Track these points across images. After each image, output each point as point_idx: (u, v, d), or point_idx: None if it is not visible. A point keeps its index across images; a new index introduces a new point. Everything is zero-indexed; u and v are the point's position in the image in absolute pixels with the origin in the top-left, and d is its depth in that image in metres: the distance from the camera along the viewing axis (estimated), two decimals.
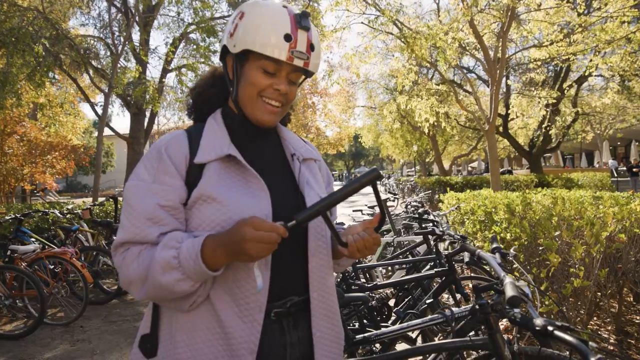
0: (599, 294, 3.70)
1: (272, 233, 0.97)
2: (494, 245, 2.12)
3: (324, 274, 1.18)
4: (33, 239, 5.77)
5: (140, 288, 1.05)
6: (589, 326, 3.66)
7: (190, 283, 1.01)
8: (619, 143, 33.15)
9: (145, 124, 12.87)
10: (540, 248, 2.94)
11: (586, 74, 12.19)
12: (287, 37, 1.10)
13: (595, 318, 4.05)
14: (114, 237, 6.23)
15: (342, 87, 15.05)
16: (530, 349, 1.64)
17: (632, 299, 4.50)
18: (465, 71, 15.96)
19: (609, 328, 3.92)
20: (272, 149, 1.27)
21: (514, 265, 2.09)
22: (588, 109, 20.01)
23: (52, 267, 4.91)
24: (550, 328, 1.10)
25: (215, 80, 1.28)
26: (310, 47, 1.14)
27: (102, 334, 4.48)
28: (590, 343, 1.06)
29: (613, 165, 23.84)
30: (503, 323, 3.08)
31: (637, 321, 4.11)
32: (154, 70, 60.03)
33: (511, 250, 2.13)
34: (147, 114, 12.98)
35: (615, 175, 20.11)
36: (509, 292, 1.27)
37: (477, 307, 1.50)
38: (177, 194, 1.09)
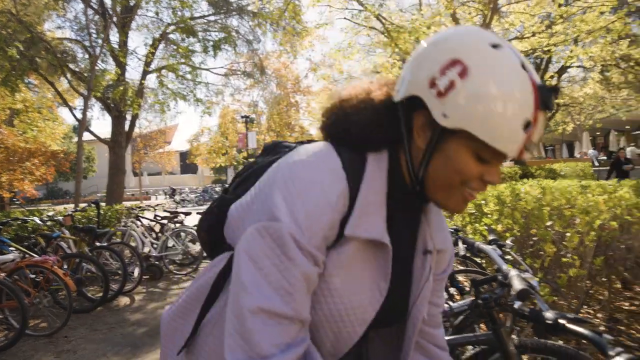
0: (589, 282, 3.70)
1: None
2: (492, 237, 2.07)
3: None
4: (12, 248, 5.57)
5: None
6: (580, 314, 3.65)
7: None
8: (598, 133, 33.73)
9: (127, 127, 12.64)
10: (534, 239, 2.91)
11: (567, 64, 12.34)
12: (527, 125, 0.79)
13: (585, 307, 4.06)
14: (97, 243, 6.14)
15: (327, 82, 15.02)
16: (532, 342, 1.59)
17: (620, 286, 4.52)
18: None
19: (599, 316, 3.93)
20: (410, 228, 1.02)
21: (508, 257, 2.04)
22: (569, 100, 20.29)
23: (33, 276, 4.75)
24: (562, 321, 1.05)
25: (378, 117, 0.92)
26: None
27: (87, 343, 4.34)
28: (605, 335, 1.00)
29: (593, 154, 24.19)
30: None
31: (625, 307, 4.12)
32: (133, 72, 59.20)
33: (508, 242, 2.08)
34: (128, 117, 12.74)
35: (597, 164, 20.39)
36: (517, 285, 1.20)
37: (479, 301, 1.44)
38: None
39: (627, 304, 4.23)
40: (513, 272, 1.29)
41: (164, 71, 12.71)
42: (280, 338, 0.81)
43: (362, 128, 0.90)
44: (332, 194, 0.84)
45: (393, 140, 0.92)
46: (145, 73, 12.47)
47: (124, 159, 12.40)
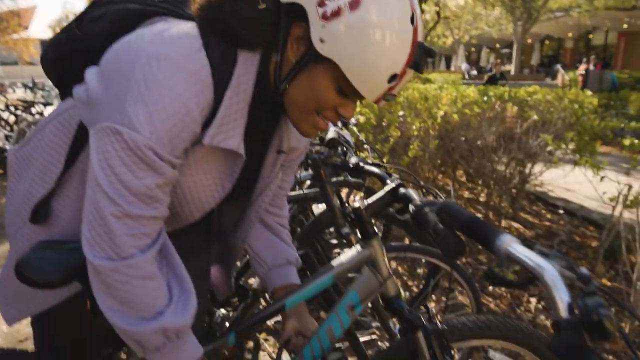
0: (434, 171, 4.21)
1: None
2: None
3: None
4: None
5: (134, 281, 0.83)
6: None
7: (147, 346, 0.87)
8: (473, 49, 36.26)
9: None
10: (384, 124, 3.18)
11: None
12: (392, 78, 0.82)
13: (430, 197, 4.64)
14: None
15: None
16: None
17: (464, 178, 5.21)
18: None
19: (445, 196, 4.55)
20: (268, 130, 1.04)
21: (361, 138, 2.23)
22: (450, 14, 21.23)
23: None
24: (361, 164, 1.19)
25: (263, 15, 0.85)
26: None
27: None
28: (394, 175, 1.18)
29: (466, 68, 26.14)
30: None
31: (466, 196, 4.80)
32: None
33: (352, 120, 2.26)
34: None
35: (467, 77, 22.15)
36: (328, 135, 1.36)
37: (309, 161, 1.58)
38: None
39: (467, 192, 4.92)
40: (331, 128, 1.45)
41: None
42: (142, 240, 0.84)
43: (243, 23, 0.84)
44: (197, 107, 0.81)
45: (269, 43, 0.88)
46: None
47: None
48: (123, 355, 1.24)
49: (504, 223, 4.00)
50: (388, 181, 1.07)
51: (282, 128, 1.05)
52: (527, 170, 3.84)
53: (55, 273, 0.90)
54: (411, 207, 0.89)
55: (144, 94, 0.78)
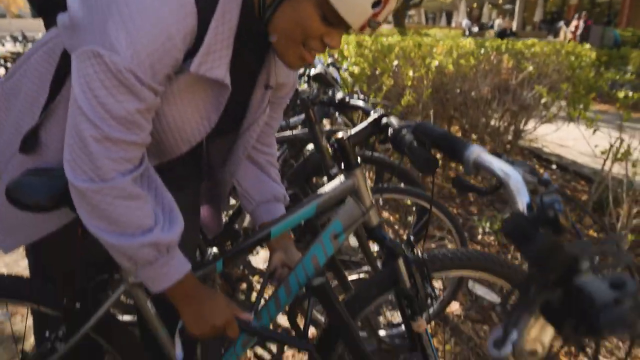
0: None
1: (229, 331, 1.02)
2: (330, 61, 2.21)
3: None
4: None
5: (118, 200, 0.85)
6: None
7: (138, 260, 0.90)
8: (474, 5, 35.31)
9: None
10: (377, 73, 3.15)
11: None
12: (376, 4, 0.82)
13: None
14: None
15: None
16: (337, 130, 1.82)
17: (460, 134, 5.22)
18: None
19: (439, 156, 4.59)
20: (255, 63, 1.05)
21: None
22: None
23: None
24: (347, 98, 1.20)
25: None
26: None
27: None
28: (378, 108, 1.19)
29: (467, 24, 25.53)
30: None
31: None
32: None
33: (344, 65, 2.25)
34: None
35: (468, 33, 21.69)
36: (316, 70, 1.36)
37: (298, 101, 1.59)
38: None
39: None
40: (319, 64, 1.45)
41: None
42: (123, 165, 0.84)
43: None
44: (179, 34, 0.81)
45: None
46: None
47: None
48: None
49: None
50: (372, 112, 1.08)
51: (269, 63, 1.05)
52: (520, 126, 3.85)
53: (44, 195, 0.92)
54: (389, 131, 0.90)
55: (126, 17, 0.77)
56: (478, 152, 0.64)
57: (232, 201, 2.49)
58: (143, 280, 0.94)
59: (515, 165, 0.60)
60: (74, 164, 0.83)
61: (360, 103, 1.16)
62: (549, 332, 0.49)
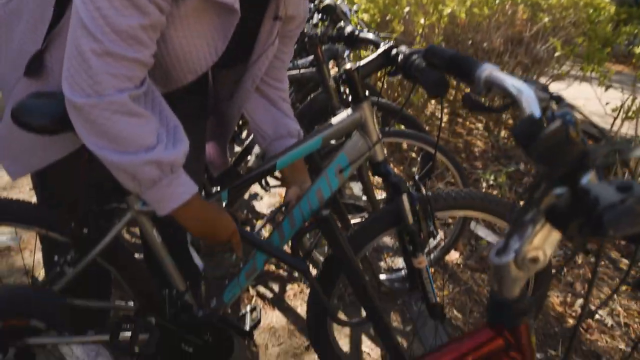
0: None
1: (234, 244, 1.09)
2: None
3: None
4: None
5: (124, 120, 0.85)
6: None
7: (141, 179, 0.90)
8: None
9: None
10: (388, 19, 3.07)
11: None
12: None
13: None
14: None
15: None
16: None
17: (469, 89, 5.11)
18: None
19: (446, 112, 4.51)
20: None
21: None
22: None
23: None
24: (356, 32, 1.17)
25: None
26: None
27: None
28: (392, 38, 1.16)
29: None
30: None
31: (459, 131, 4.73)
32: None
33: (354, 7, 2.18)
34: None
35: None
36: (325, 1, 1.32)
37: (305, 39, 1.55)
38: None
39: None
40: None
41: None
42: (124, 83, 0.82)
43: None
44: None
45: None
46: None
47: None
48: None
49: (503, 133, 4.00)
50: (382, 44, 1.05)
51: None
52: None
53: (49, 117, 0.92)
54: (399, 58, 0.88)
55: None
56: (490, 70, 0.62)
57: (237, 148, 2.49)
58: (150, 203, 0.95)
59: (527, 82, 0.59)
60: (72, 80, 0.82)
61: (371, 36, 1.13)
62: (551, 240, 0.50)
